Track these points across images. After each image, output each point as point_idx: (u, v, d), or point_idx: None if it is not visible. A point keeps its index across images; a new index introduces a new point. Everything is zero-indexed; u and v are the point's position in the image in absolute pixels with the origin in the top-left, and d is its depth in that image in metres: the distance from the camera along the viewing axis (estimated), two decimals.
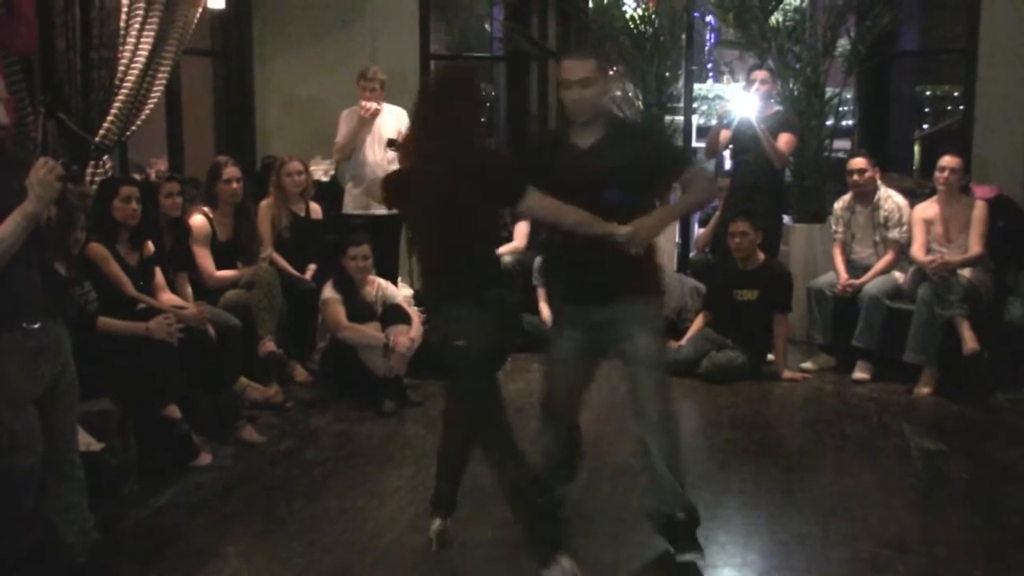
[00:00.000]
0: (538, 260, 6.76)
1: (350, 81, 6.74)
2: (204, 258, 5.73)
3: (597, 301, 3.51)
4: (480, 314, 3.29)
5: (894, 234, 6.23)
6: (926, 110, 9.07)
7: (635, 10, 7.78)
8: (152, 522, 3.98)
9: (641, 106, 7.79)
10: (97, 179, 5.36)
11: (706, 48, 14.00)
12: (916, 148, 8.63)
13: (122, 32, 5.53)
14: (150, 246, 5.07)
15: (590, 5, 8.15)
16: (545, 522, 3.35)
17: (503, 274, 3.89)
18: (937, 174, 6.12)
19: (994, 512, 4.17)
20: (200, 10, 6.13)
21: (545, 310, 6.68)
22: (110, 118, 5.48)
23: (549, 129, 3.23)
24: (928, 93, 9.09)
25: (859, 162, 6.36)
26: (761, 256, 6.28)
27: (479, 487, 3.83)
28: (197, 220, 5.75)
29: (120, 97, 5.53)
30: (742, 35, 7.50)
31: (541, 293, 6.78)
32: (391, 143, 6.60)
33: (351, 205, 6.77)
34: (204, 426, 4.79)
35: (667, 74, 7.92)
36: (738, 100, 6.71)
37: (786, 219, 7.24)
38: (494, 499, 3.59)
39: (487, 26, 10.01)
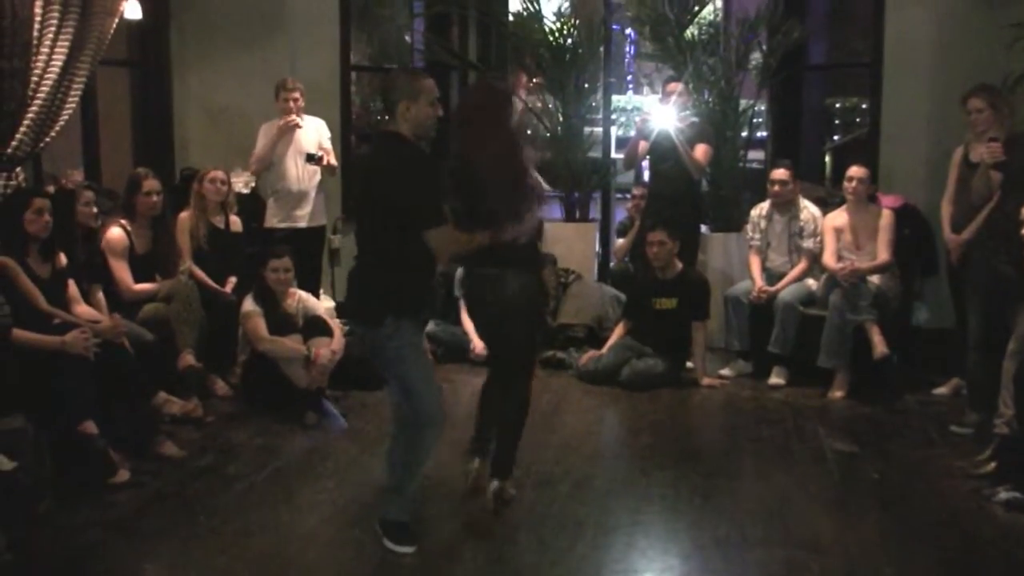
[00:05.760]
0: (460, 272, 6.77)
1: (270, 92, 6.70)
2: (121, 271, 5.66)
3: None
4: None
5: (808, 244, 6.40)
6: (836, 122, 9.29)
7: (554, 23, 7.87)
8: (68, 542, 3.88)
9: (560, 117, 7.88)
10: (8, 191, 5.25)
11: (626, 60, 14.18)
12: (827, 158, 8.84)
13: (35, 42, 5.42)
14: (62, 258, 4.98)
15: (510, 18, 8.22)
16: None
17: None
18: (845, 184, 6.29)
19: (903, 510, 4.30)
20: (116, 20, 6.03)
21: (468, 322, 6.70)
22: (23, 129, 5.36)
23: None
24: (838, 105, 9.31)
25: (781, 173, 6.50)
26: (679, 265, 6.38)
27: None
28: (115, 233, 5.68)
29: (33, 108, 5.42)
30: (658, 48, 7.63)
31: (463, 305, 6.78)
32: (310, 157, 6.59)
33: (273, 218, 6.74)
34: (122, 442, 4.68)
35: (586, 85, 8.02)
36: (656, 112, 6.81)
37: (703, 228, 7.37)
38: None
39: (407, 37, 10.00)
